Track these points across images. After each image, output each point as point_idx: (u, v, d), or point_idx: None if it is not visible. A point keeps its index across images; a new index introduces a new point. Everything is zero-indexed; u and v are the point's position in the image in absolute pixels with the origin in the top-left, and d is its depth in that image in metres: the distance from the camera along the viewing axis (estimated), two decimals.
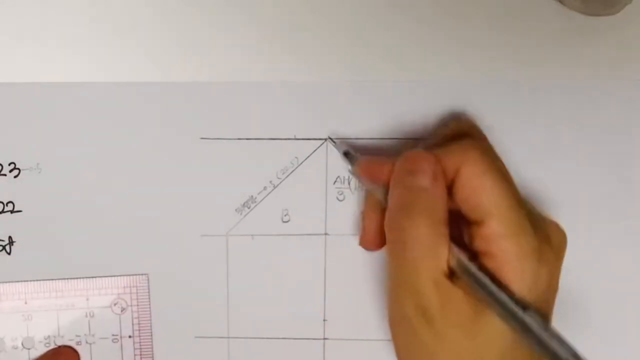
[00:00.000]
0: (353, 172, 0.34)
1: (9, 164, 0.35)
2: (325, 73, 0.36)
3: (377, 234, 0.33)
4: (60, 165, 0.36)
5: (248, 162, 0.36)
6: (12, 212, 0.36)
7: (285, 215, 0.36)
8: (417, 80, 0.36)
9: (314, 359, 0.37)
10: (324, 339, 0.37)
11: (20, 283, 0.36)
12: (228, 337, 0.37)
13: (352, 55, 0.36)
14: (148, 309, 0.37)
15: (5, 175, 0.35)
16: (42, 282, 0.36)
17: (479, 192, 0.29)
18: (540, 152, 0.36)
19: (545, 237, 0.30)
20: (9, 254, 0.36)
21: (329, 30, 0.36)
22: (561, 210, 0.36)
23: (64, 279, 0.36)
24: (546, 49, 0.36)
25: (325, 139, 0.36)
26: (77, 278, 0.36)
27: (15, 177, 0.35)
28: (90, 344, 0.37)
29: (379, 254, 0.36)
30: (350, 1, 0.36)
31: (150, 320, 0.37)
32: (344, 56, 0.36)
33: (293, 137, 0.36)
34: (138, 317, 0.37)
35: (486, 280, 0.28)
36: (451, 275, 0.29)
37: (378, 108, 0.36)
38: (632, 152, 0.36)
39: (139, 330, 0.37)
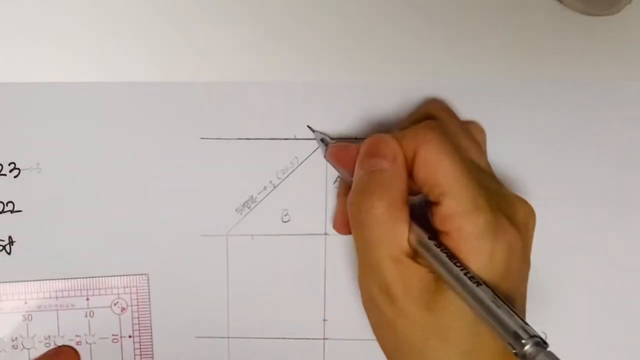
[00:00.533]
0: (326, 157, 0.35)
1: (9, 164, 0.35)
2: (325, 73, 0.36)
3: (345, 217, 0.33)
4: (60, 165, 0.36)
5: (248, 162, 0.36)
6: (12, 212, 0.36)
7: (285, 215, 0.36)
8: (419, 81, 0.36)
9: (314, 359, 0.37)
10: (324, 339, 0.37)
11: (20, 283, 0.36)
12: (228, 337, 0.37)
13: (353, 55, 0.36)
14: (148, 309, 0.37)
15: (5, 175, 0.35)
16: (42, 282, 0.36)
17: (435, 172, 0.30)
18: (539, 150, 0.36)
19: (508, 215, 0.30)
20: (9, 254, 0.36)
21: (329, 30, 0.36)
22: (561, 203, 0.36)
23: (64, 279, 0.36)
24: (546, 49, 0.36)
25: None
26: (77, 278, 0.36)
27: (15, 177, 0.35)
28: (90, 344, 0.37)
29: None
30: (350, 1, 0.36)
31: (150, 320, 0.37)
32: (345, 56, 0.36)
33: (293, 137, 0.36)
34: (138, 317, 0.37)
35: (442, 256, 0.29)
36: (415, 254, 0.30)
37: (378, 108, 0.36)
38: (632, 150, 0.36)
39: (139, 330, 0.37)
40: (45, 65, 0.35)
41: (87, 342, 0.37)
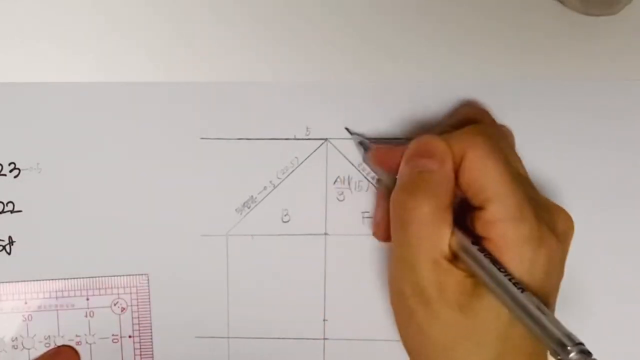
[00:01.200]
0: (366, 160, 0.35)
1: (9, 164, 0.35)
2: (325, 73, 0.36)
3: (387, 222, 0.33)
4: (60, 165, 0.36)
5: (248, 162, 0.36)
6: (12, 212, 0.36)
7: (285, 215, 0.36)
8: (419, 81, 0.36)
9: (314, 359, 0.37)
10: (324, 339, 0.37)
11: (20, 283, 0.36)
12: (228, 337, 0.37)
13: (353, 55, 0.36)
14: (148, 309, 0.37)
15: (5, 175, 0.35)
16: (42, 282, 0.36)
17: (481, 176, 0.30)
18: (539, 150, 0.36)
19: (549, 223, 0.30)
20: (9, 254, 0.36)
21: (329, 30, 0.36)
22: (570, 202, 0.36)
23: (64, 279, 0.36)
24: (546, 49, 0.36)
25: (326, 139, 0.36)
26: (77, 278, 0.36)
27: (15, 177, 0.35)
28: (90, 344, 0.37)
29: (379, 254, 0.36)
30: (350, 1, 0.36)
31: (150, 320, 0.37)
32: (345, 56, 0.36)
33: (293, 137, 0.36)
34: (138, 317, 0.37)
35: (485, 262, 0.29)
36: (455, 258, 0.30)
37: (379, 108, 0.36)
38: (631, 151, 0.36)
39: (139, 330, 0.37)
40: (45, 65, 0.35)
41: (87, 342, 0.37)
